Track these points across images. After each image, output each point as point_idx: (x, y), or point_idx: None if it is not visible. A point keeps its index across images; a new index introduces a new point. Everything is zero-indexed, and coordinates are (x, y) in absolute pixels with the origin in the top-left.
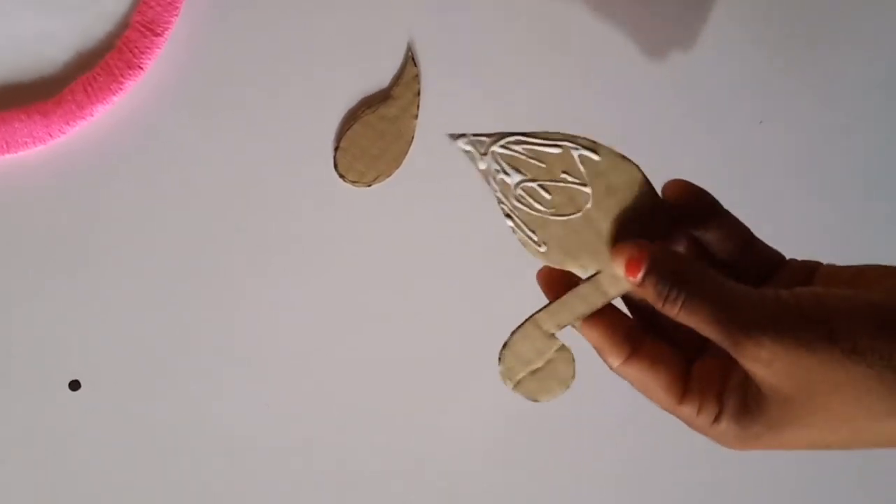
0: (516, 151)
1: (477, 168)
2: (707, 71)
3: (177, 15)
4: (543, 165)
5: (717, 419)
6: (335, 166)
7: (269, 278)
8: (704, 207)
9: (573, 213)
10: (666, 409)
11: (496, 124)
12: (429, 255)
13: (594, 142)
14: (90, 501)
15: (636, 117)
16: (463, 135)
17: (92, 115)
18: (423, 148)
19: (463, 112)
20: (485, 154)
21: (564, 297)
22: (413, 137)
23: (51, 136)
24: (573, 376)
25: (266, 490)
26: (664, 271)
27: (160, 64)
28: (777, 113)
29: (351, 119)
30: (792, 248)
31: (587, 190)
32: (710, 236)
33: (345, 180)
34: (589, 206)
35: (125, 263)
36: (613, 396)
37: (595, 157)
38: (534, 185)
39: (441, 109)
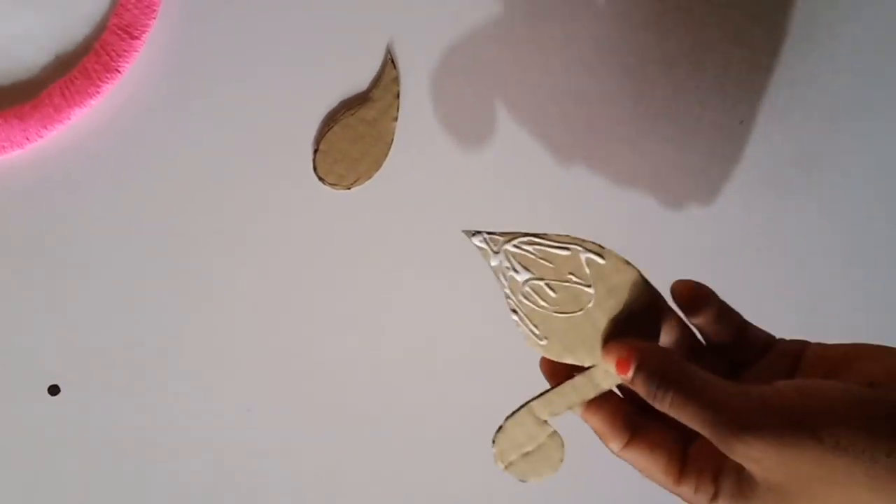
0: (527, 251)
1: (489, 264)
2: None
3: (154, 18)
4: (552, 265)
5: (713, 499)
6: (315, 169)
7: (250, 281)
8: (701, 298)
9: (576, 311)
10: (666, 488)
11: (476, 127)
12: (409, 259)
13: (601, 246)
14: None
15: (631, 116)
16: (479, 232)
17: (69, 119)
18: (402, 151)
19: (443, 115)
20: (497, 252)
21: (560, 388)
22: (393, 140)
23: (28, 140)
24: (562, 460)
25: (250, 494)
26: (651, 371)
27: (138, 67)
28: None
29: (330, 121)
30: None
31: (590, 290)
32: (705, 322)
33: (325, 183)
34: (591, 304)
35: (104, 267)
36: None
37: (601, 260)
38: (541, 283)
39: (421, 112)
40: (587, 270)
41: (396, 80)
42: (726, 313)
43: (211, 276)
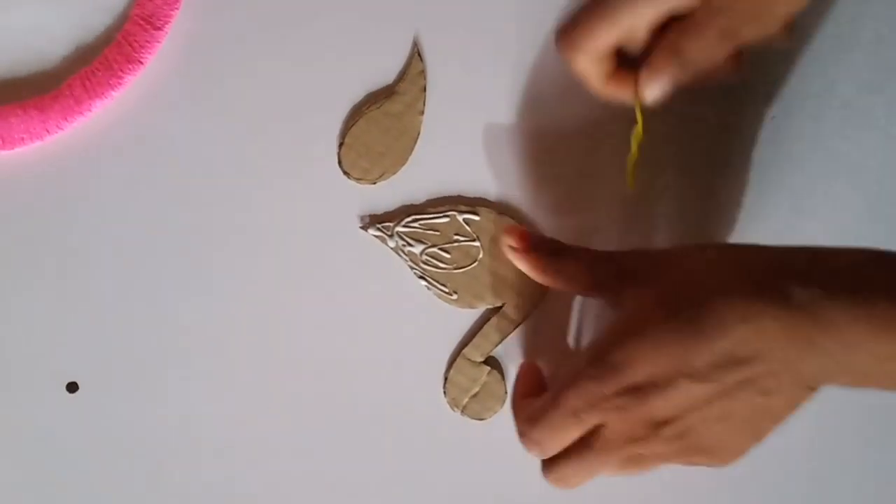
0: (415, 227)
1: (388, 246)
2: None
3: (177, 8)
4: (438, 233)
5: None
6: (339, 163)
7: (274, 277)
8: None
9: (471, 264)
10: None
11: (503, 119)
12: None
13: (472, 206)
14: (88, 503)
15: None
16: (369, 224)
17: (90, 111)
18: (429, 144)
19: (470, 107)
20: (391, 235)
21: (482, 331)
22: (419, 134)
23: (48, 131)
24: (506, 392)
25: (267, 491)
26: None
27: (160, 58)
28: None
29: (355, 115)
30: None
31: (476, 244)
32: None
33: (349, 177)
34: (481, 255)
35: (124, 261)
36: None
37: (476, 217)
38: (435, 249)
39: (448, 105)
40: (468, 228)
41: (423, 73)
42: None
43: (233, 272)
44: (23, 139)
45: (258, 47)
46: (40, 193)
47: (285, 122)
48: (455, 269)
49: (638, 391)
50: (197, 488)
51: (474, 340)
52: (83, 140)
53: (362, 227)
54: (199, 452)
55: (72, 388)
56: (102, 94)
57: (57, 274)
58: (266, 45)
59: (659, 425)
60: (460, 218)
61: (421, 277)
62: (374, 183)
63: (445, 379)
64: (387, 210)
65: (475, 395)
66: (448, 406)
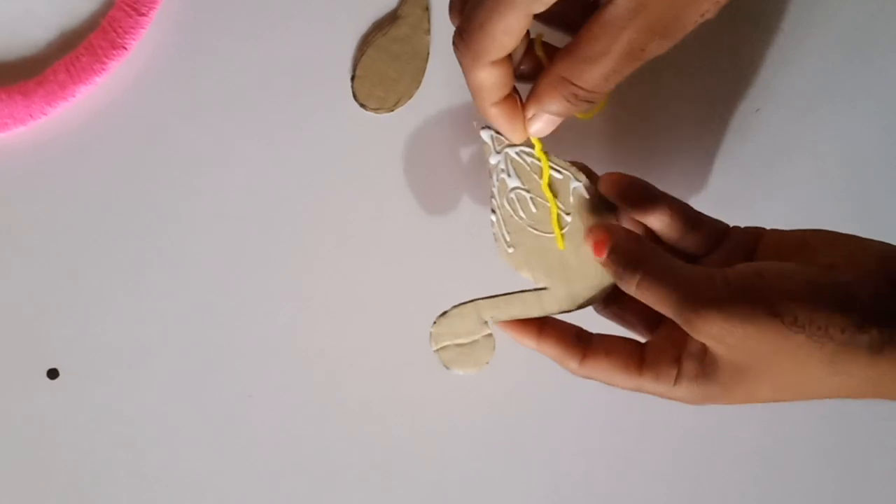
0: (526, 161)
1: (487, 160)
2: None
3: None
4: (541, 182)
5: (676, 381)
6: (354, 96)
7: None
8: (643, 194)
9: (549, 232)
10: (630, 387)
11: None
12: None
13: (592, 183)
14: (69, 490)
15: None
16: (488, 127)
17: (74, 96)
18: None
19: None
20: (499, 152)
21: (510, 296)
22: (429, 54)
23: (31, 116)
24: (488, 362)
25: (250, 480)
26: (623, 252)
27: (145, 44)
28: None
29: (363, 46)
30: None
31: (568, 218)
32: (654, 219)
33: (367, 109)
34: (565, 230)
35: (106, 249)
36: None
37: (586, 195)
38: (527, 195)
39: None
40: (571, 199)
41: None
42: (674, 205)
43: (218, 259)
44: (6, 124)
45: (244, 33)
46: (23, 179)
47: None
48: (531, 227)
49: None
50: (178, 475)
51: (495, 299)
52: (67, 125)
53: (479, 125)
54: (179, 439)
55: (52, 374)
56: (86, 79)
57: (38, 260)
58: (252, 30)
59: None
60: (572, 185)
61: (493, 211)
62: (392, 111)
63: (444, 313)
64: None
65: (460, 346)
66: (430, 336)
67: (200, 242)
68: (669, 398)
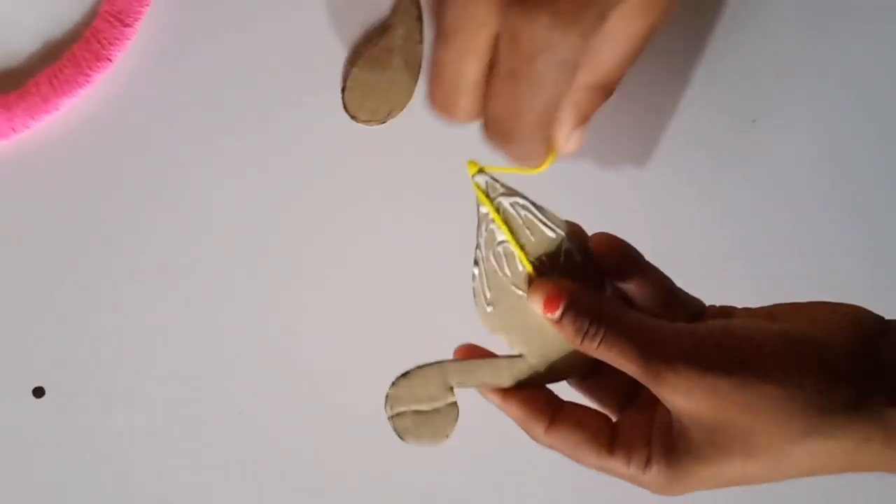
0: (517, 214)
1: (477, 207)
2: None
3: (148, 5)
4: (532, 240)
5: (647, 464)
6: (345, 108)
7: (267, 269)
8: (628, 261)
9: (525, 293)
10: (597, 467)
11: None
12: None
13: (586, 244)
14: None
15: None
16: (484, 170)
17: (57, 109)
18: None
19: None
20: (495, 198)
21: (480, 361)
22: (421, 64)
23: (14, 130)
24: (448, 436)
25: (240, 497)
26: (582, 307)
27: (130, 56)
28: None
29: (354, 57)
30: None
31: None
32: (633, 288)
33: (357, 121)
34: None
35: (92, 265)
36: None
37: (578, 258)
38: (515, 252)
39: None
40: (562, 261)
41: (416, 1)
42: (656, 278)
43: (200, 273)
44: None
45: (231, 44)
46: (5, 194)
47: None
48: (515, 286)
49: None
50: (167, 493)
51: (465, 363)
52: (50, 139)
53: (473, 165)
54: (168, 457)
55: (38, 392)
56: (70, 92)
57: (23, 276)
58: (240, 41)
59: None
60: (564, 247)
61: (476, 263)
62: (384, 122)
63: (405, 373)
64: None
65: (418, 413)
66: (385, 398)
67: (188, 256)
68: (640, 485)
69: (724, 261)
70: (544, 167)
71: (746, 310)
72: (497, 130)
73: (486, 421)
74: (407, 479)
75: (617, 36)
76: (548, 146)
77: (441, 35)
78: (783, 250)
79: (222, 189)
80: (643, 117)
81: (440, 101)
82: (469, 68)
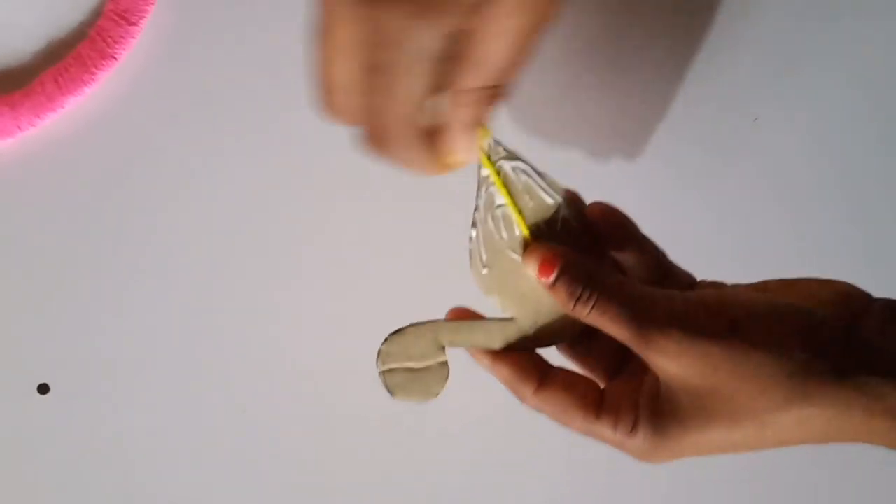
0: (517, 178)
1: (479, 169)
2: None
3: (152, 3)
4: (531, 205)
5: (633, 429)
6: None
7: (258, 279)
8: (624, 231)
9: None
10: (584, 431)
11: None
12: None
13: (582, 212)
14: None
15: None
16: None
17: (63, 108)
18: None
19: None
20: (496, 161)
21: (472, 322)
22: None
23: (20, 128)
24: (438, 394)
25: (244, 494)
26: (576, 273)
27: (134, 54)
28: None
29: None
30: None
31: None
32: (628, 258)
33: None
34: None
35: (96, 262)
36: None
37: (574, 224)
38: (513, 216)
39: None
40: (559, 228)
41: None
42: (650, 249)
43: (205, 272)
44: None
45: (235, 42)
46: (11, 191)
47: (269, 114)
48: (511, 250)
49: None
50: (170, 491)
51: (457, 324)
52: (55, 137)
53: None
54: (172, 454)
55: (43, 389)
56: (75, 90)
57: (27, 274)
58: (242, 38)
59: None
60: (561, 213)
61: (474, 225)
62: None
63: (398, 330)
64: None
65: (409, 370)
66: (377, 354)
67: (192, 255)
68: (625, 451)
69: (725, 259)
70: (442, 173)
71: (738, 285)
72: (369, 133)
73: (487, 421)
74: (407, 478)
75: (497, 32)
76: (434, 153)
77: (314, 36)
78: (783, 248)
79: (227, 187)
80: (644, 116)
81: (319, 102)
82: (339, 69)
